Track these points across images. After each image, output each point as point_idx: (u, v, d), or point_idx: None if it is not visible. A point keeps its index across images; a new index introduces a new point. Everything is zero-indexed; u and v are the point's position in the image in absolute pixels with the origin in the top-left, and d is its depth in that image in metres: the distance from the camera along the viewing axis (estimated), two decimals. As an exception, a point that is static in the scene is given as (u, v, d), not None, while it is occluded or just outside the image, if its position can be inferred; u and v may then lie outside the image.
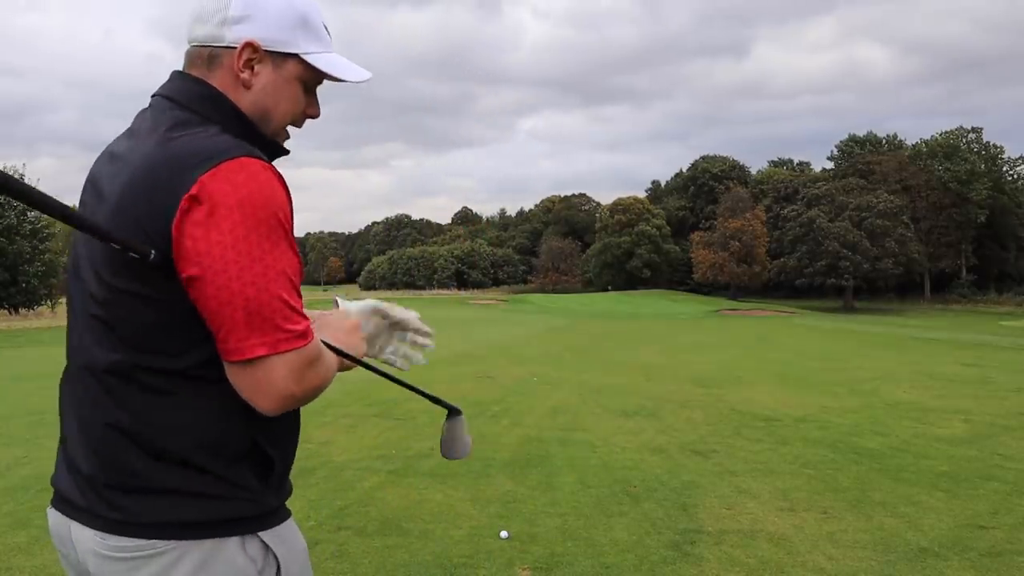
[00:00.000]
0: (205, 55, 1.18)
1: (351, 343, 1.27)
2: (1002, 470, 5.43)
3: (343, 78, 1.23)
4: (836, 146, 76.02)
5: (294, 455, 1.26)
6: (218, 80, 1.17)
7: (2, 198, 33.77)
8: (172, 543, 1.09)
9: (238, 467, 1.12)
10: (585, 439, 6.43)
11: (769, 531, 3.99)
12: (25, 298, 35.01)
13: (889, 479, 5.14)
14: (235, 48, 1.16)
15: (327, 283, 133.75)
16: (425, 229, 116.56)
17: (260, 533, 1.14)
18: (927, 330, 30.20)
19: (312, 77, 1.22)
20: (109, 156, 1.18)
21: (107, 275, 1.08)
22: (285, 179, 1.09)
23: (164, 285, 1.04)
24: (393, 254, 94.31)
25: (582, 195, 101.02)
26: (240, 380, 1.05)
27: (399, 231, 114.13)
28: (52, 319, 33.73)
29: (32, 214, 36.18)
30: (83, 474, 1.14)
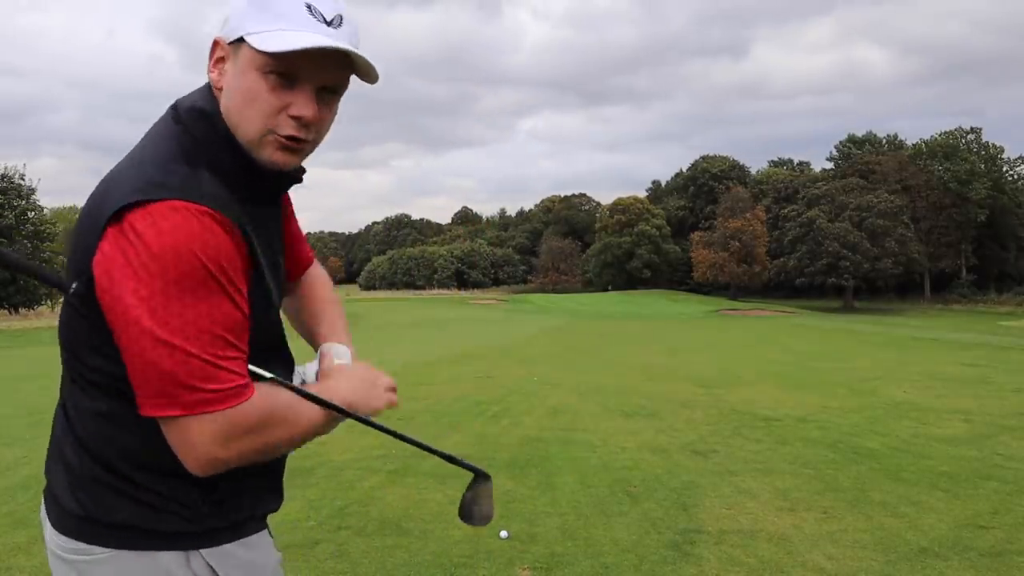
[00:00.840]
0: (213, 59, 1.12)
1: (374, 395, 1.22)
2: (1002, 470, 5.42)
3: (280, 49, 1.00)
4: (835, 147, 76.06)
5: (267, 473, 1.20)
6: (215, 86, 1.10)
7: (2, 198, 33.85)
8: (111, 551, 1.08)
9: (172, 482, 1.08)
10: (585, 439, 6.42)
11: (769, 531, 3.99)
12: (25, 298, 35.01)
13: (889, 479, 5.14)
14: (213, 49, 1.09)
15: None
16: (425, 229, 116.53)
17: (202, 551, 1.10)
18: (927, 330, 30.20)
19: (279, 65, 1.02)
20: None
21: (67, 305, 1.08)
22: (224, 222, 0.99)
23: (90, 308, 1.01)
24: (393, 254, 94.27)
25: (582, 195, 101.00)
26: (164, 433, 1.01)
27: (399, 231, 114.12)
28: (52, 319, 33.73)
29: (32, 214, 36.22)
30: (53, 470, 1.16)
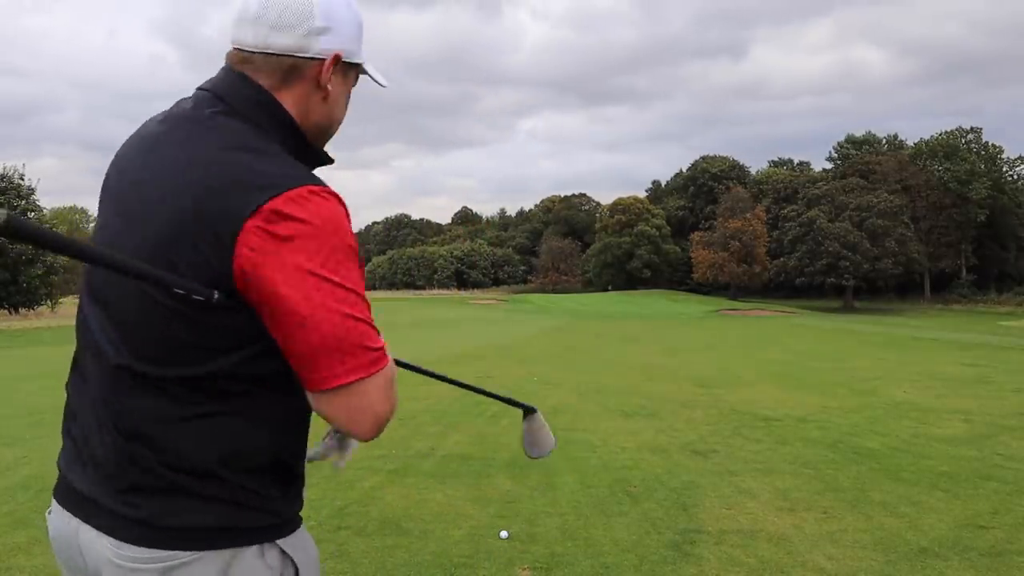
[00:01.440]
0: (286, 65, 1.12)
1: None
2: (1002, 470, 5.42)
3: (383, 83, 1.27)
4: (834, 147, 76.07)
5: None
6: (296, 91, 1.13)
7: (1, 198, 33.84)
8: (191, 554, 1.05)
9: (260, 478, 1.10)
10: (585, 439, 6.42)
11: (769, 531, 3.99)
12: (25, 298, 35.00)
13: (889, 479, 5.14)
14: (320, 59, 1.13)
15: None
16: (425, 229, 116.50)
17: (278, 541, 1.12)
18: (927, 330, 30.20)
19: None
20: (152, 157, 1.10)
21: (149, 288, 1.02)
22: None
23: (217, 310, 1.00)
24: (393, 254, 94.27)
25: (582, 195, 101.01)
26: (333, 409, 1.03)
27: (399, 231, 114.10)
28: (52, 319, 33.72)
29: (33, 215, 36.21)
30: (101, 478, 1.10)
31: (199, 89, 1.16)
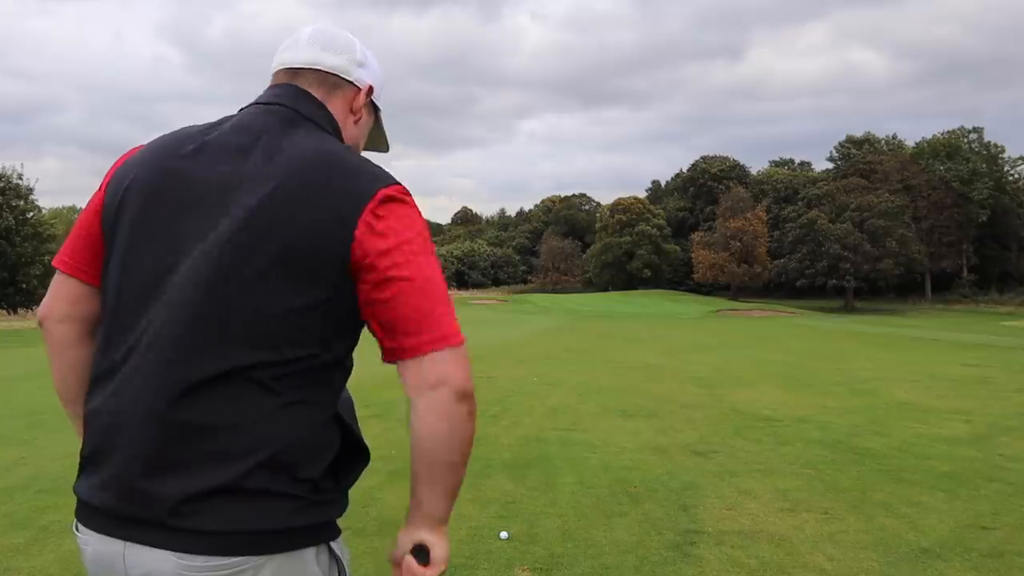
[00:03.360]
0: (331, 82, 1.26)
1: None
2: (1003, 471, 5.41)
3: (387, 145, 1.48)
4: (834, 147, 76.03)
5: None
6: (336, 106, 1.26)
7: (0, 199, 33.83)
8: (255, 559, 1.02)
9: (325, 475, 1.10)
10: (585, 439, 6.41)
11: (770, 532, 3.98)
12: (25, 298, 34.99)
13: (890, 480, 5.13)
14: (356, 85, 1.28)
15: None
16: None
17: (331, 543, 1.12)
18: (928, 330, 30.20)
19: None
20: (245, 144, 1.14)
21: (242, 277, 1.04)
22: None
23: (314, 287, 1.06)
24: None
25: (582, 195, 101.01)
26: (425, 376, 1.06)
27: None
28: (52, 319, 33.70)
29: (32, 215, 36.19)
30: (153, 486, 1.04)
31: (263, 103, 1.23)
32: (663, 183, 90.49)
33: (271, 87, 1.27)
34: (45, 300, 1.24)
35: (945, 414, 8.06)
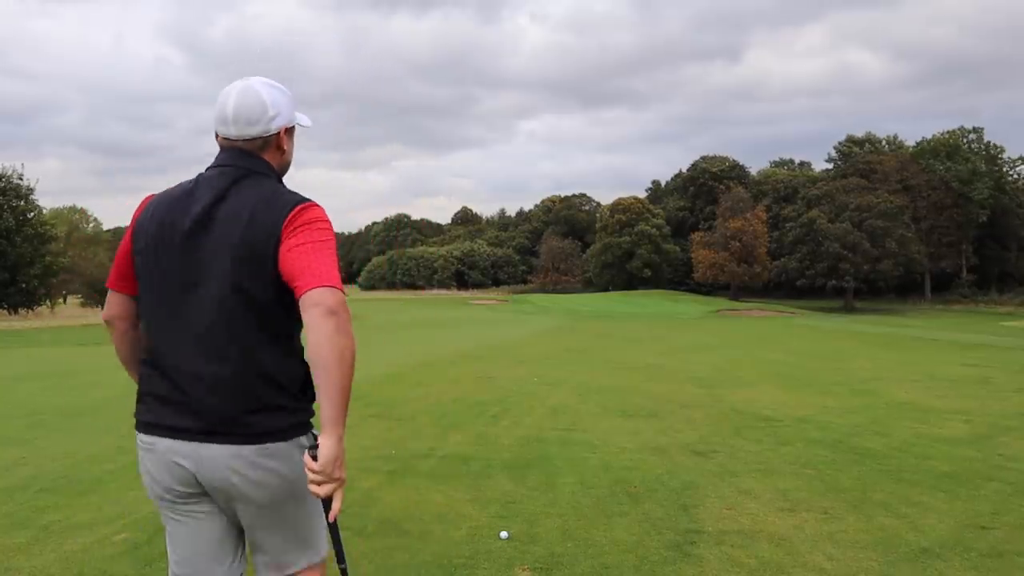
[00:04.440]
0: (260, 142, 1.86)
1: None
2: (1003, 471, 5.42)
3: (304, 124, 2.00)
4: (835, 147, 75.99)
5: None
6: (268, 153, 1.88)
7: (1, 199, 33.83)
8: (278, 444, 1.76)
9: (306, 391, 1.81)
10: (585, 439, 6.41)
11: (769, 531, 3.98)
12: (24, 298, 34.98)
13: (890, 479, 5.13)
14: (278, 132, 1.87)
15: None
16: (425, 229, 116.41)
17: (305, 434, 1.83)
18: (928, 330, 30.20)
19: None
20: (211, 199, 1.78)
21: (250, 277, 1.72)
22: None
23: (275, 278, 1.71)
24: (393, 254, 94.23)
25: (582, 195, 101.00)
26: (322, 300, 1.62)
27: (399, 231, 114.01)
28: (51, 319, 33.70)
29: (32, 215, 36.18)
30: (215, 405, 1.72)
31: (215, 167, 1.86)
32: (663, 183, 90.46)
33: (221, 152, 1.87)
34: (106, 308, 1.98)
35: (945, 414, 8.06)
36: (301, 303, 1.63)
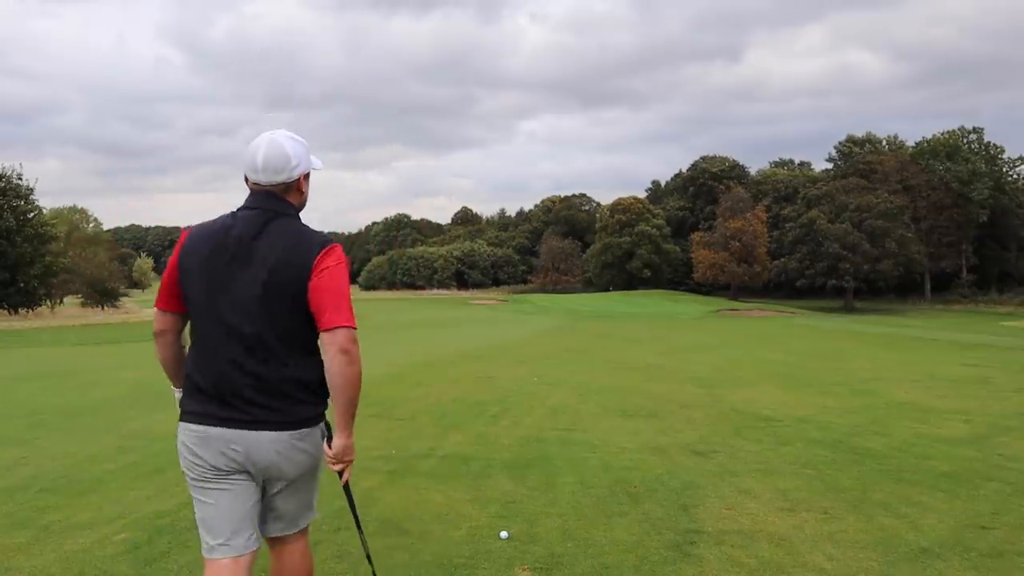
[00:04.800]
0: (284, 187, 2.27)
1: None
2: (1003, 471, 5.42)
3: (317, 168, 2.42)
4: (835, 147, 75.97)
5: None
6: (291, 195, 2.30)
7: (1, 199, 33.81)
8: (307, 429, 2.23)
9: (323, 389, 2.23)
10: (585, 439, 6.42)
11: (769, 531, 3.98)
12: (24, 299, 34.96)
13: (890, 479, 5.13)
14: (299, 178, 2.30)
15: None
16: (425, 229, 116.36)
17: (324, 423, 2.31)
18: (928, 330, 30.20)
19: None
20: (250, 235, 2.20)
21: (286, 304, 2.18)
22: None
23: (303, 304, 2.16)
24: (393, 254, 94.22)
25: (582, 195, 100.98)
26: (334, 339, 2.11)
27: (399, 231, 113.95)
28: (51, 320, 33.69)
29: (33, 215, 36.15)
30: (263, 402, 2.17)
31: (249, 208, 2.26)
32: (663, 183, 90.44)
33: (253, 195, 2.27)
34: (156, 324, 2.34)
35: (945, 414, 8.06)
36: (322, 336, 2.13)
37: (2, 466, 5.42)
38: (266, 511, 2.32)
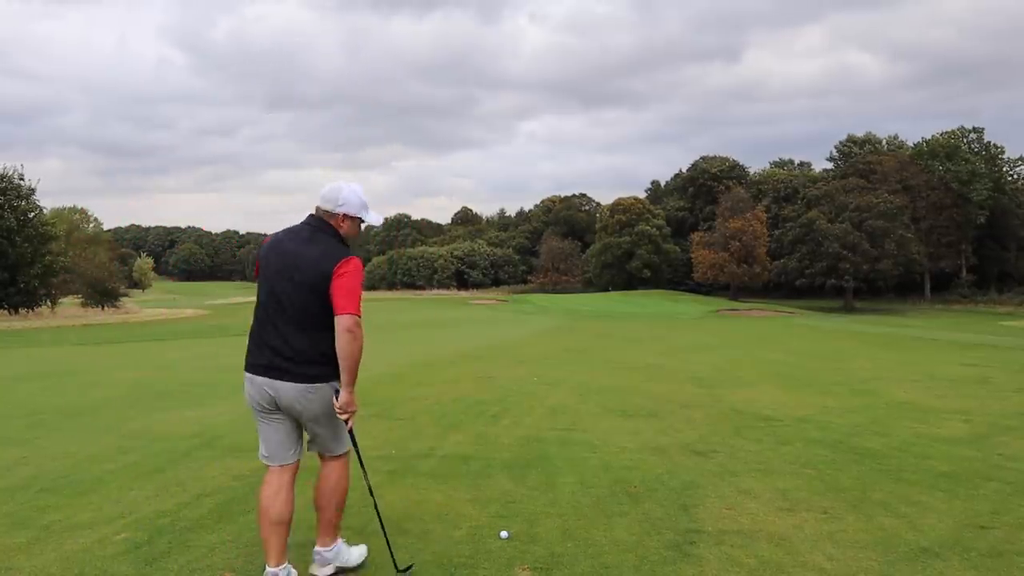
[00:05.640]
0: (327, 212, 3.23)
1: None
2: (1003, 470, 5.42)
3: (373, 224, 3.44)
4: (835, 146, 75.97)
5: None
6: (334, 222, 3.23)
7: (1, 199, 33.79)
8: (317, 384, 3.12)
9: (332, 359, 3.08)
10: (585, 439, 6.42)
11: (769, 531, 3.98)
12: (25, 298, 34.94)
13: (889, 479, 5.13)
14: (339, 215, 3.24)
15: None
16: (425, 229, 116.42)
17: (335, 381, 3.14)
18: (927, 330, 30.20)
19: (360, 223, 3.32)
20: (297, 243, 3.20)
21: (310, 294, 3.10)
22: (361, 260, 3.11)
23: (326, 294, 3.07)
24: (393, 254, 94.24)
25: (582, 195, 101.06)
26: (345, 322, 3.03)
27: (399, 231, 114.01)
28: (51, 319, 33.68)
29: (33, 215, 36.13)
30: (288, 359, 3.08)
31: (303, 223, 3.26)
32: (663, 183, 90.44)
33: (311, 214, 3.27)
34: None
35: (945, 414, 8.06)
36: (336, 319, 3.04)
37: (2, 466, 5.42)
38: (308, 436, 3.32)
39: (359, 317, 3.02)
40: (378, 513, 3.49)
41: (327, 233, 3.17)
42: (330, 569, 3.37)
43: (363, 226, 3.35)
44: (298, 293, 3.07)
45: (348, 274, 3.04)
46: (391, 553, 3.41)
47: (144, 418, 7.45)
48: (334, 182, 3.22)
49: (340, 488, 3.39)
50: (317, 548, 3.38)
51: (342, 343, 2.99)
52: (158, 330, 28.26)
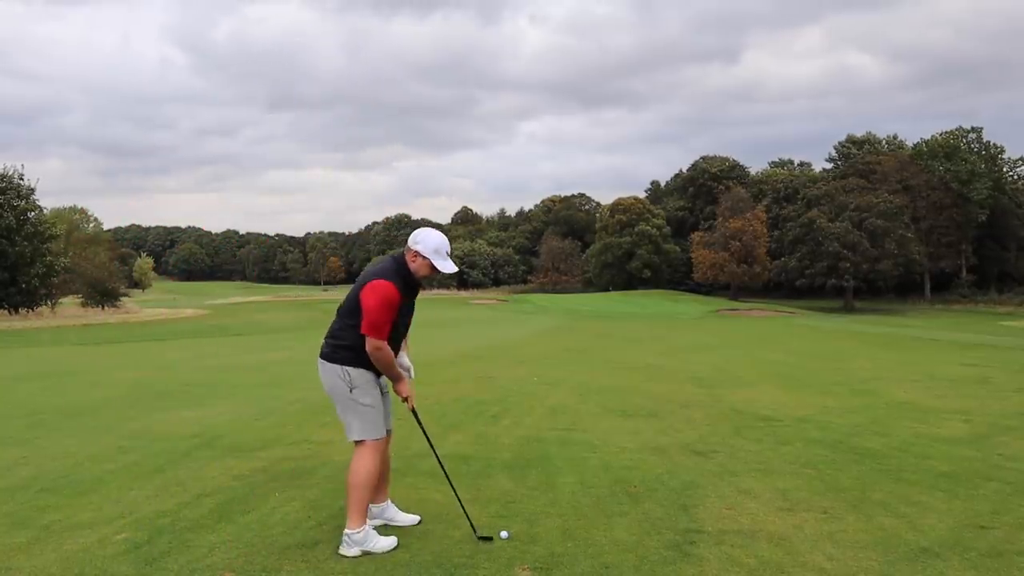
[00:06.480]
0: (408, 247, 3.83)
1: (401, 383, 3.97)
2: (1002, 470, 5.42)
3: (444, 271, 3.89)
4: (835, 147, 75.97)
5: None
6: (406, 255, 3.83)
7: (1, 198, 33.80)
8: (347, 367, 3.77)
9: (362, 352, 3.72)
10: (585, 439, 6.42)
11: (769, 531, 3.98)
12: (25, 299, 34.94)
13: (889, 479, 5.13)
14: (408, 251, 3.84)
15: (326, 282, 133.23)
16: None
17: (356, 367, 3.78)
18: (927, 330, 30.19)
19: (434, 267, 3.85)
20: (373, 263, 4.22)
21: (352, 293, 3.81)
22: (398, 287, 3.73)
23: (357, 299, 3.75)
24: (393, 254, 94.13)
25: (582, 195, 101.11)
26: (367, 340, 3.68)
27: (399, 231, 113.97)
28: (52, 319, 33.69)
29: (33, 215, 36.13)
30: (329, 347, 3.83)
31: (395, 252, 3.95)
32: (663, 183, 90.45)
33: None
34: None
35: (945, 414, 8.06)
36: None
37: (2, 466, 5.42)
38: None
39: (374, 339, 3.62)
40: (451, 485, 4.11)
41: (395, 260, 3.80)
42: (356, 551, 3.59)
43: (436, 271, 3.84)
44: (349, 301, 3.78)
45: (367, 294, 3.65)
46: (469, 521, 3.94)
47: (144, 418, 7.45)
48: (429, 229, 3.88)
49: (354, 473, 3.69)
50: (345, 530, 3.66)
51: (369, 354, 3.68)
52: (158, 330, 28.27)
